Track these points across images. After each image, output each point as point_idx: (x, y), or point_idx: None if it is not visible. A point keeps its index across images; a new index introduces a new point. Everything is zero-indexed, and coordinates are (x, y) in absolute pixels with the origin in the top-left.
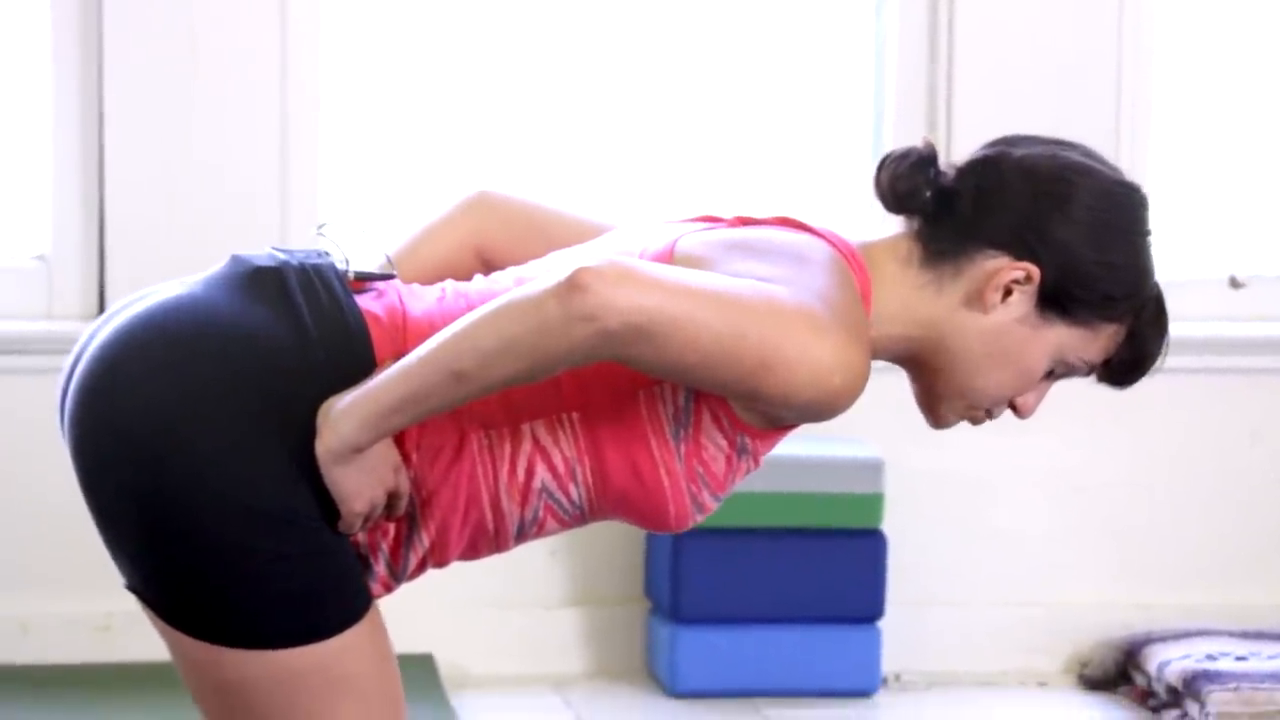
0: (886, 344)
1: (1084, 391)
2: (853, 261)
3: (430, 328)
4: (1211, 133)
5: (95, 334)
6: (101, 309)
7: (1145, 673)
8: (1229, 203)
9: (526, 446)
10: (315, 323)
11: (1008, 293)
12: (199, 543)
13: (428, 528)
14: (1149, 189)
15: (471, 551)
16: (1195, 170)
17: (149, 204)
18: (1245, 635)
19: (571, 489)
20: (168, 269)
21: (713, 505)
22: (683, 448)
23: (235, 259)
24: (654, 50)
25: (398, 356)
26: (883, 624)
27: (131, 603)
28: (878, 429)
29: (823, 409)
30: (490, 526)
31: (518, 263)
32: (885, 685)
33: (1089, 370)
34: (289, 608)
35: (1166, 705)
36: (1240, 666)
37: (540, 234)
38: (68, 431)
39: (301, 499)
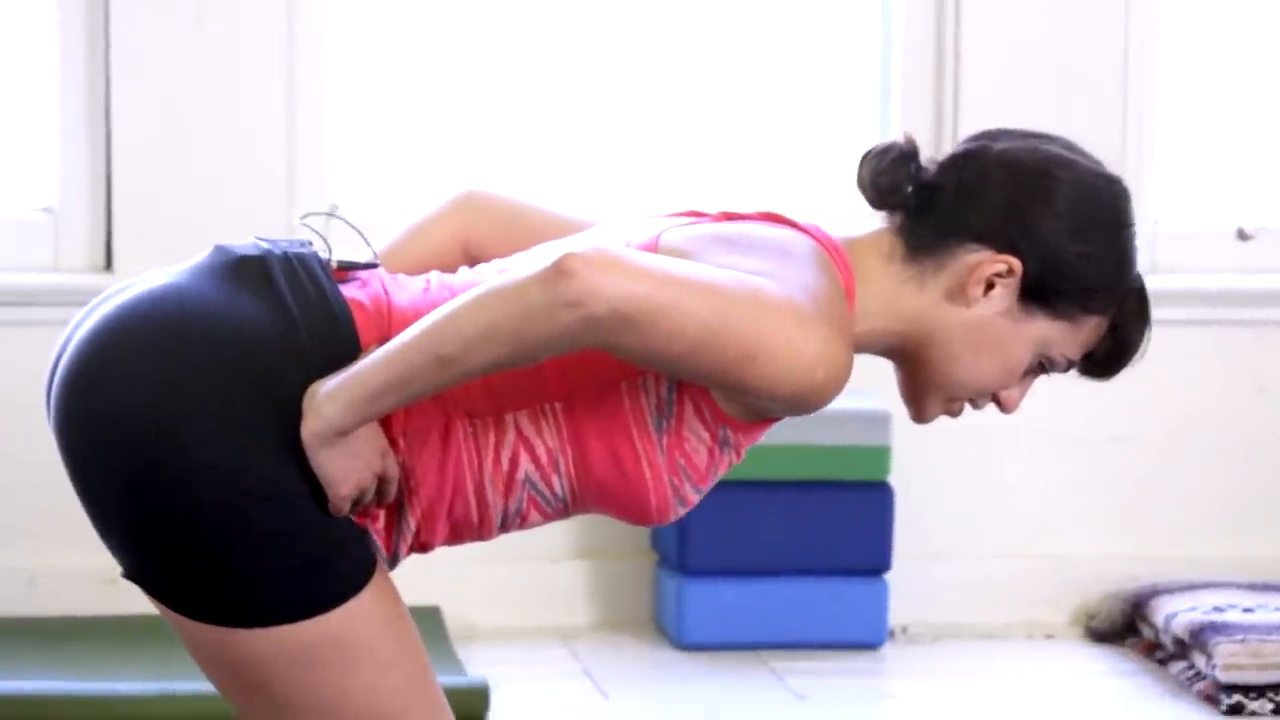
0: (870, 338)
1: None
2: (836, 257)
3: (415, 316)
4: (1219, 84)
5: (80, 324)
6: (109, 261)
7: (1152, 625)
8: (1237, 155)
9: (510, 437)
10: (300, 310)
11: (989, 286)
12: (191, 527)
13: (414, 513)
14: (1157, 141)
15: (455, 538)
16: (1203, 122)
17: (156, 155)
18: (1252, 587)
19: (555, 480)
20: (174, 220)
21: (694, 498)
22: (665, 439)
23: (219, 248)
24: (661, 40)
25: (382, 343)
26: (890, 577)
27: None
28: (885, 381)
29: (805, 402)
30: (474, 516)
31: (504, 256)
32: (892, 638)
33: (1069, 365)
34: (289, 583)
35: (1173, 657)
36: (1247, 619)
37: (527, 232)
38: (54, 422)
39: (291, 479)
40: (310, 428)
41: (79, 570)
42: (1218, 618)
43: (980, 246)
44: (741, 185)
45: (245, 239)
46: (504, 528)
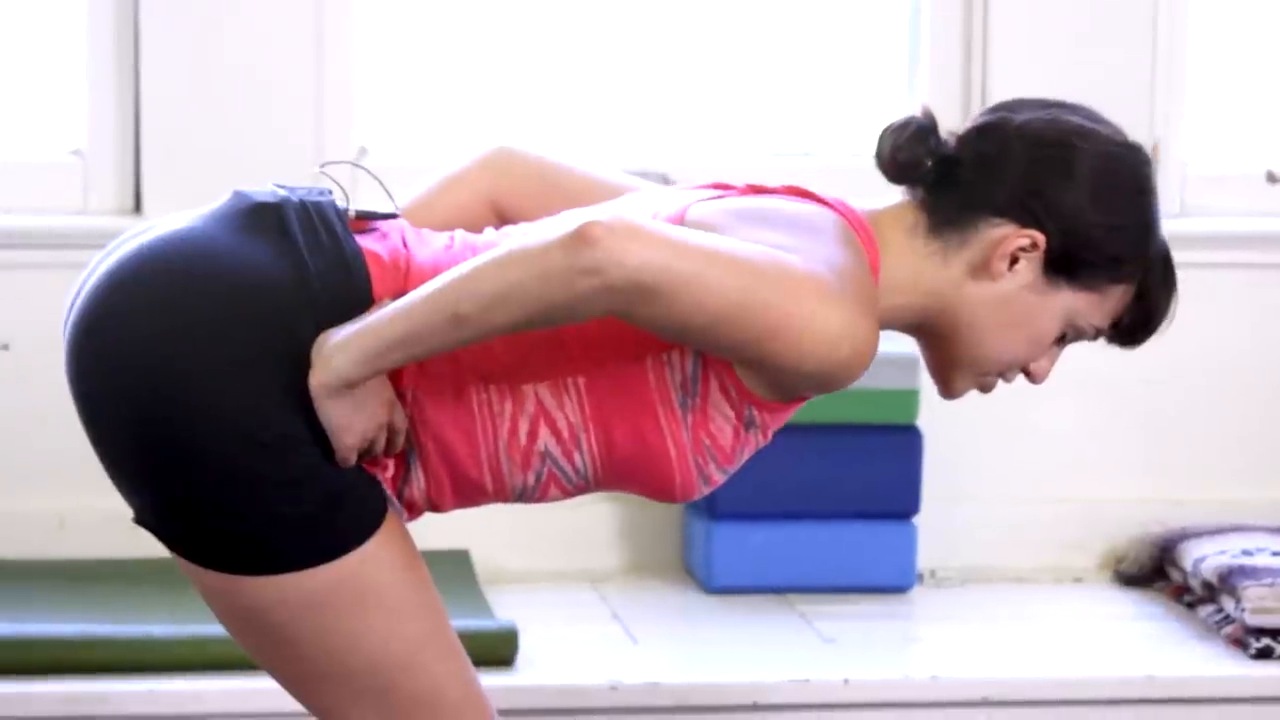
0: (895, 314)
1: None
2: (861, 232)
3: (434, 273)
4: (1249, 26)
5: (96, 267)
6: (137, 204)
7: (1181, 569)
8: (1266, 97)
9: (529, 407)
10: (314, 259)
11: (1014, 260)
12: (200, 474)
13: (421, 467)
14: (1186, 83)
15: (465, 501)
16: (1232, 65)
17: (184, 98)
18: None
19: (576, 456)
20: (203, 162)
21: (719, 479)
22: (690, 418)
23: (237, 194)
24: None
25: (396, 297)
26: (918, 520)
27: None
28: None
29: (830, 378)
30: (487, 483)
31: (533, 218)
32: (921, 581)
33: (1097, 334)
34: (298, 530)
35: (1202, 601)
36: (1276, 562)
37: (558, 193)
38: (67, 363)
39: (300, 428)
40: (318, 378)
41: (109, 512)
42: (1246, 561)
43: (1003, 220)
44: (768, 148)
45: (264, 185)
46: (520, 498)
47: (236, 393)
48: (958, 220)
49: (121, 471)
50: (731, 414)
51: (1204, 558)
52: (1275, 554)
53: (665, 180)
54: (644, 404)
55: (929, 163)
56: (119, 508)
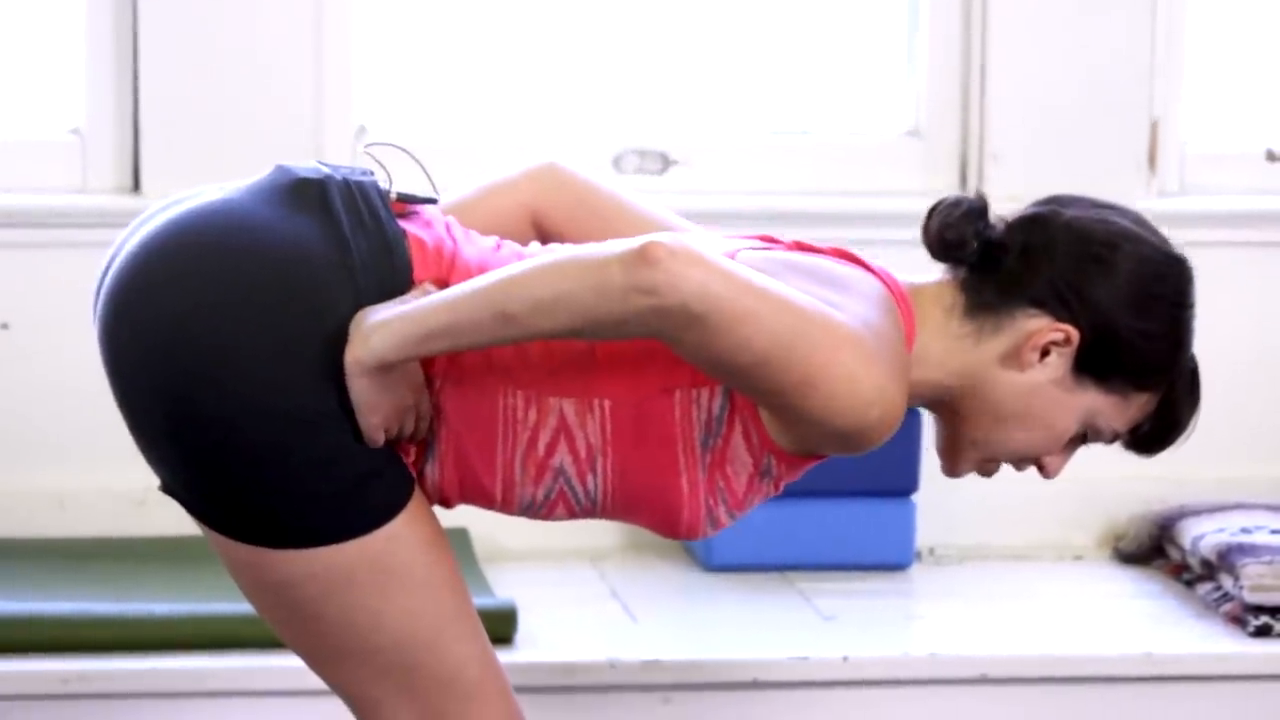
0: (920, 388)
1: None
2: (901, 302)
3: (480, 271)
4: (1250, 3)
5: (130, 236)
6: (136, 183)
7: (1179, 546)
8: (1266, 76)
9: (552, 421)
10: (355, 238)
11: (1045, 353)
12: (231, 447)
13: (439, 462)
14: (1185, 61)
15: (472, 502)
16: (1232, 43)
17: (183, 76)
18: None
19: (589, 478)
20: (202, 141)
21: (727, 522)
22: (709, 458)
23: (280, 168)
24: None
25: (437, 283)
26: (917, 498)
27: None
28: None
29: (855, 438)
30: (496, 489)
31: (570, 239)
32: (919, 559)
33: (1114, 438)
34: (326, 506)
35: (1201, 579)
36: (1275, 540)
37: (599, 218)
38: (99, 335)
39: (332, 405)
40: (355, 354)
41: (110, 491)
42: (1245, 539)
43: (1040, 312)
44: (767, 125)
45: (308, 162)
46: (525, 512)
47: (271, 368)
48: (995, 306)
49: (152, 444)
50: (749, 460)
51: (1203, 536)
52: (1274, 532)
53: (665, 160)
54: (666, 437)
55: (975, 244)
56: (120, 486)
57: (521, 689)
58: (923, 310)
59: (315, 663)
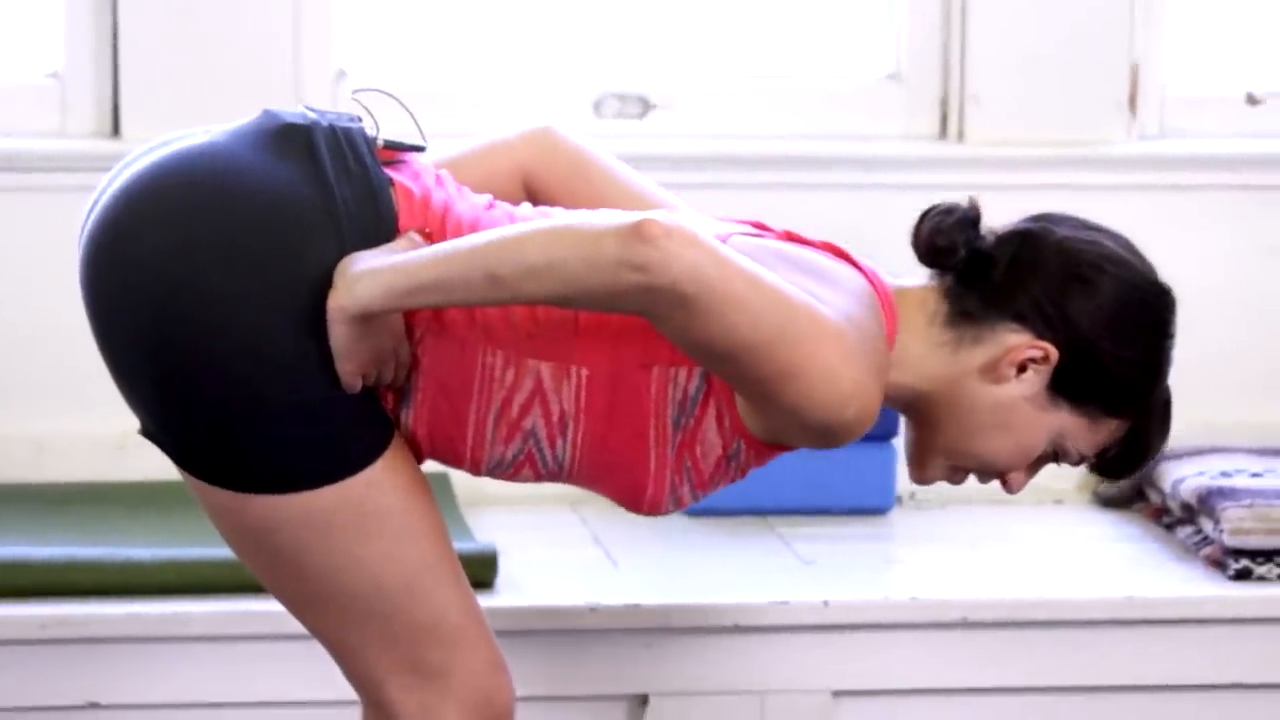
0: (895, 391)
1: (1100, 208)
2: (885, 302)
3: (473, 228)
4: None
5: (114, 178)
6: (115, 127)
7: (1159, 490)
8: (1246, 18)
9: (528, 383)
10: (340, 185)
11: (1022, 369)
12: (211, 390)
13: (414, 413)
14: (1166, 4)
15: (440, 458)
16: None
17: (161, 19)
18: (1260, 452)
19: (559, 443)
20: (181, 84)
21: (689, 501)
22: (679, 436)
23: (266, 113)
24: None
25: (423, 233)
26: (898, 442)
27: None
28: (892, 246)
29: (827, 434)
30: (466, 445)
31: (560, 205)
32: (900, 503)
33: (1080, 460)
34: (305, 451)
35: (1180, 522)
36: (1255, 483)
37: (591, 186)
38: (81, 276)
39: (312, 350)
40: (338, 300)
41: (88, 436)
42: (1225, 483)
43: (1021, 327)
44: (748, 70)
45: (294, 107)
46: (492, 472)
47: (250, 313)
48: (977, 317)
49: (133, 386)
50: (719, 444)
51: (1183, 479)
52: (1254, 475)
53: (645, 104)
54: (639, 412)
55: (963, 253)
56: (98, 431)
57: (502, 633)
58: (906, 313)
59: (295, 608)
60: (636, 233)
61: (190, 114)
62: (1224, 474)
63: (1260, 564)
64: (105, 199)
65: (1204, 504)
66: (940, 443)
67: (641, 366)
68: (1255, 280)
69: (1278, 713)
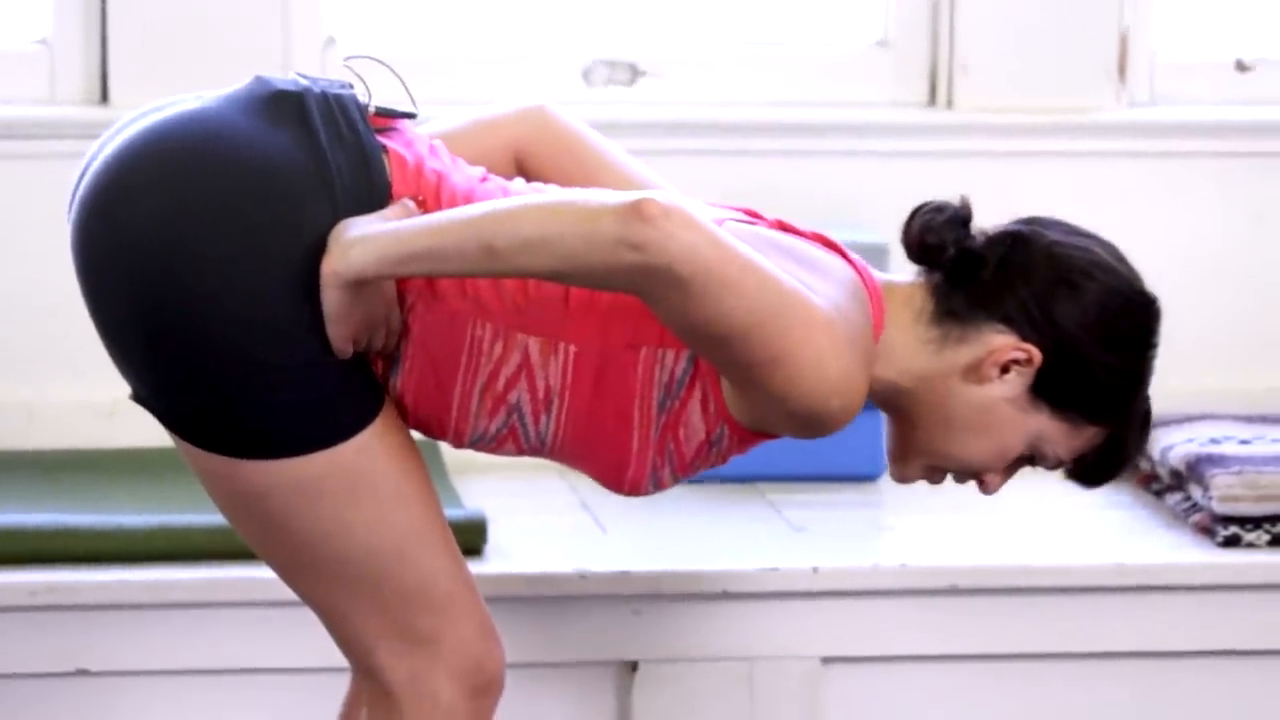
0: (877, 385)
1: (1089, 175)
2: (874, 296)
3: (467, 200)
4: None
5: (106, 143)
6: (104, 94)
7: (1149, 457)
8: None
9: (516, 357)
10: (333, 151)
11: (1005, 370)
12: (202, 357)
13: (403, 378)
14: None
15: (423, 427)
16: None
17: None
18: (1249, 419)
19: (543, 419)
20: (170, 51)
21: (669, 484)
22: (663, 419)
23: (258, 79)
24: None
25: (415, 200)
26: None
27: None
28: (881, 213)
29: (811, 423)
30: (451, 419)
31: (552, 184)
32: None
33: (1057, 464)
34: (299, 417)
35: (1170, 489)
36: (1244, 450)
37: (583, 168)
38: (73, 240)
39: (304, 315)
40: (332, 265)
41: (78, 403)
42: (1214, 449)
43: (1006, 329)
44: (738, 36)
45: (286, 74)
46: (474, 445)
47: (245, 278)
48: (963, 316)
49: (123, 351)
50: (703, 428)
51: (1172, 446)
52: (1243, 442)
53: (634, 71)
54: (625, 391)
55: (952, 251)
56: (88, 398)
57: (491, 600)
58: (892, 308)
59: (286, 573)
60: (635, 211)
61: (179, 81)
62: (1213, 441)
63: (1249, 531)
64: (97, 164)
65: (1193, 471)
66: (920, 441)
67: (629, 346)
68: (1244, 247)
69: (1266, 678)
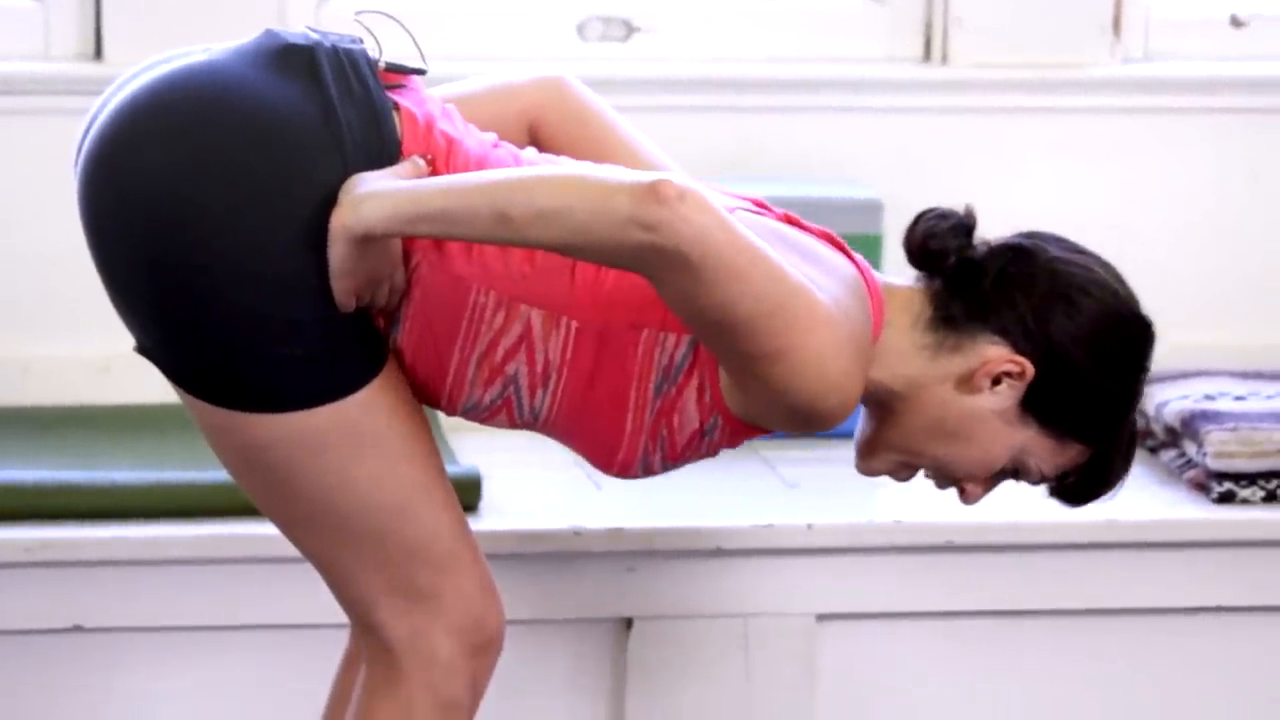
0: (869, 387)
1: (1084, 131)
2: (874, 298)
3: (479, 166)
4: None
5: (113, 95)
6: (98, 50)
7: (1143, 413)
8: None
9: (517, 328)
10: (344, 106)
11: (996, 381)
12: (208, 309)
13: (403, 338)
14: None
15: (416, 394)
16: None
17: None
18: (1244, 375)
19: (539, 393)
20: (164, 7)
21: (659, 470)
22: (659, 403)
23: (268, 33)
24: None
25: (428, 161)
26: None
27: (131, 344)
28: (876, 169)
29: (806, 418)
30: (446, 385)
31: (563, 156)
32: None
33: (1040, 480)
34: (303, 370)
35: (1164, 445)
36: (1239, 406)
37: (595, 144)
38: (80, 191)
39: (310, 269)
40: (342, 219)
41: (74, 359)
42: (1209, 406)
43: (1001, 341)
44: None
45: (297, 28)
46: (466, 414)
47: (250, 229)
48: (960, 324)
49: (128, 303)
50: (697, 416)
51: (1166, 402)
52: (1238, 399)
53: (629, 27)
54: (623, 372)
55: (954, 259)
56: (83, 354)
57: (485, 557)
58: (891, 310)
59: (288, 528)
60: (651, 192)
61: (173, 37)
62: (1208, 397)
63: (1244, 487)
64: (104, 115)
65: (1188, 427)
66: (898, 440)
67: (632, 326)
68: (1239, 202)
69: (1260, 635)
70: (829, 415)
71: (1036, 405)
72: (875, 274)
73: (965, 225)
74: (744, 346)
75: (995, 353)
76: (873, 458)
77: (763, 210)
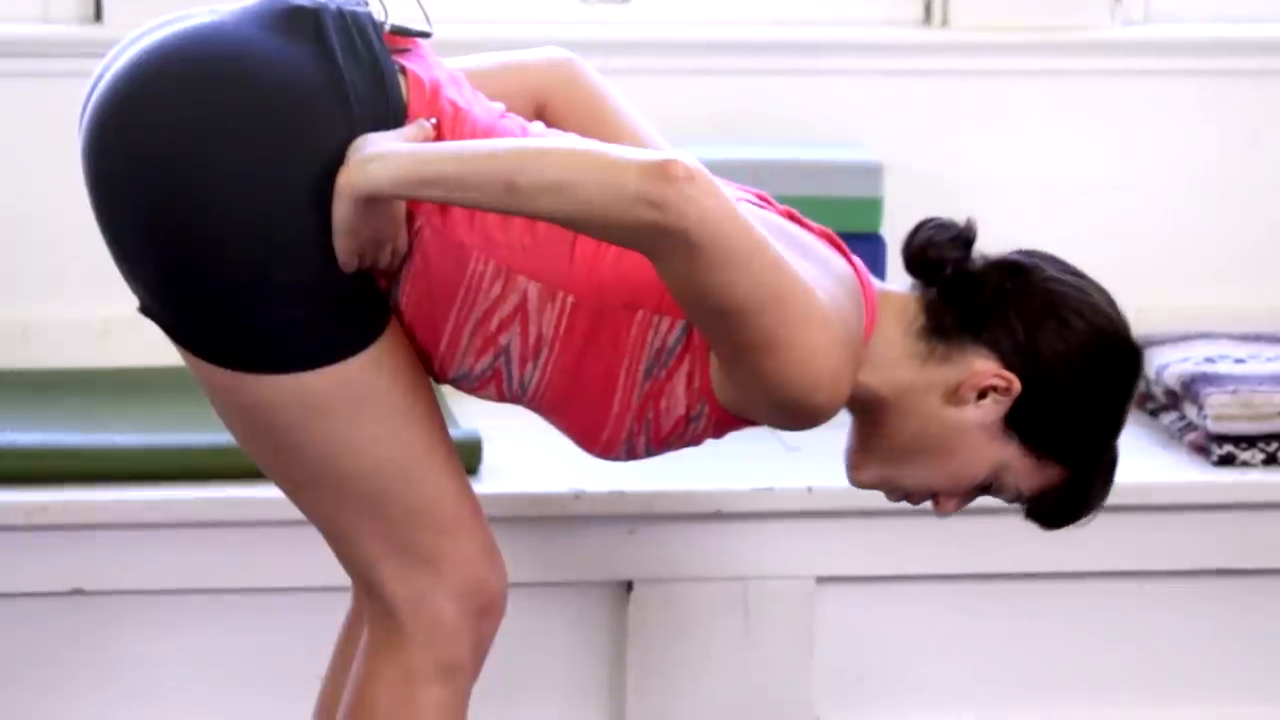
0: (855, 390)
1: (1084, 94)
2: (869, 301)
3: (488, 134)
4: None
5: (119, 56)
6: (98, 12)
7: (1144, 376)
8: None
9: (513, 300)
10: (349, 68)
11: (982, 395)
12: (213, 268)
13: (402, 300)
14: None
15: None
16: None
17: None
18: (1244, 338)
19: (529, 367)
20: None
21: (642, 455)
22: (648, 385)
23: None
24: None
25: (434, 126)
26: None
27: (130, 308)
28: (876, 132)
29: (793, 413)
30: (440, 351)
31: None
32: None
33: (1016, 498)
34: (304, 331)
35: (1165, 408)
36: (1239, 369)
37: (600, 126)
38: (83, 151)
39: (313, 230)
40: (349, 178)
41: (73, 322)
42: (1209, 369)
43: (991, 355)
44: None
45: None
46: (455, 382)
47: (253, 190)
48: (951, 335)
49: (131, 263)
50: (684, 402)
51: (1167, 365)
52: (1238, 361)
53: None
54: (614, 351)
55: (950, 270)
56: (82, 317)
57: (486, 520)
58: (885, 315)
59: (291, 489)
60: (661, 170)
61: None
62: (1208, 360)
63: (1243, 450)
64: (109, 76)
65: (1188, 390)
66: (883, 450)
67: (627, 307)
68: (1238, 165)
69: (1259, 597)
70: (815, 411)
71: (1019, 422)
72: (872, 278)
73: (965, 238)
74: (739, 334)
75: (983, 366)
76: (859, 469)
77: (765, 205)
